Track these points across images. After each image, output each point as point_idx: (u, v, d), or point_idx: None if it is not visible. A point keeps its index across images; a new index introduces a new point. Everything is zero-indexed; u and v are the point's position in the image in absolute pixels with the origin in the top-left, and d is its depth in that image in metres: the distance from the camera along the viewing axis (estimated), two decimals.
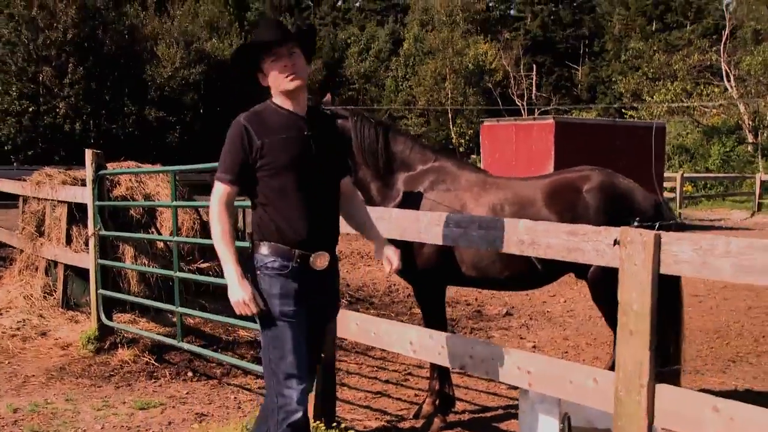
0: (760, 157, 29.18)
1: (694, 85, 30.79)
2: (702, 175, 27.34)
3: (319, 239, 2.91)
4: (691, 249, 2.59)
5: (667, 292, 4.31)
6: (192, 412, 4.76)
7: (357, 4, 59.42)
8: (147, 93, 31.41)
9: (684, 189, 24.28)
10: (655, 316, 2.69)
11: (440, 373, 4.52)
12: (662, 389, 2.72)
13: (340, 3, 60.29)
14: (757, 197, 23.59)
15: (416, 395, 5.29)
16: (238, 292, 2.82)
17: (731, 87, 30.66)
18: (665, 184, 23.21)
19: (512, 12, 57.87)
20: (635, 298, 2.71)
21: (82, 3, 29.29)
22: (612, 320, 4.31)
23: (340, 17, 56.59)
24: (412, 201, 4.38)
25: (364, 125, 4.59)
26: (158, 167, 6.84)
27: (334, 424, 3.91)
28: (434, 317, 4.47)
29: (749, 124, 30.33)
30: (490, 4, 56.24)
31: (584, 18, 56.82)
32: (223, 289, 7.38)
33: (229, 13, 42.29)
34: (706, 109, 31.02)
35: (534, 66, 49.23)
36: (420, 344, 3.60)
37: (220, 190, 2.90)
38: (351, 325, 4.01)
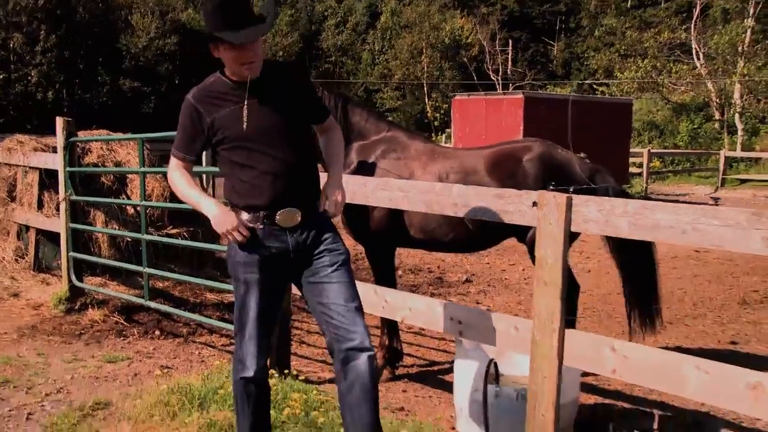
0: (726, 134, 29.76)
1: (664, 62, 31.20)
2: (669, 151, 27.83)
3: (285, 199, 2.88)
4: (597, 210, 2.92)
5: (643, 256, 4.70)
6: (157, 365, 5.05)
7: None
8: (121, 62, 31.17)
9: (652, 165, 24.80)
10: (565, 269, 3.01)
11: (389, 329, 4.85)
12: (571, 333, 3.06)
13: None
14: (720, 173, 24.12)
15: None
16: (223, 222, 2.85)
17: (700, 65, 31.11)
18: (634, 160, 23.75)
19: None
20: (549, 254, 3.03)
21: None
22: None
23: None
24: (365, 168, 4.67)
25: (324, 96, 4.85)
26: (127, 135, 7.03)
27: (286, 371, 4.22)
28: (384, 276, 4.79)
29: (716, 102, 30.87)
30: None
31: None
32: (191, 253, 7.71)
33: None
34: (675, 87, 31.49)
35: (510, 41, 49.36)
36: (365, 299, 3.89)
37: (173, 163, 3.01)
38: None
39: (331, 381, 4.75)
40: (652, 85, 30.78)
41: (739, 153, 26.82)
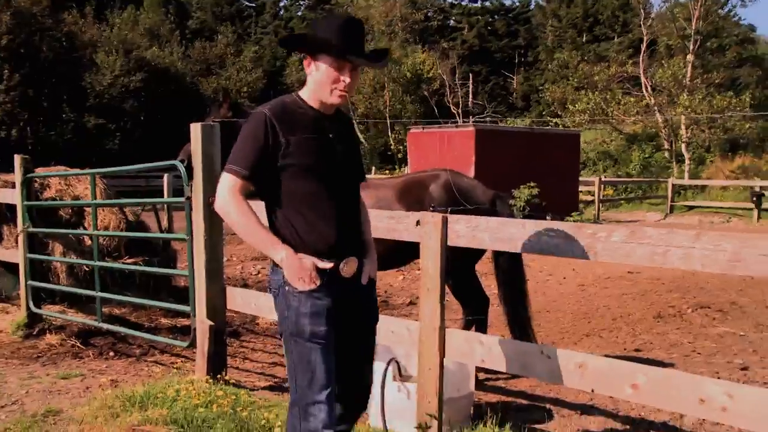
0: (675, 162, 30.95)
1: (614, 94, 32.48)
2: (620, 179, 28.85)
3: (347, 246, 2.70)
4: (465, 226, 3.51)
5: (512, 270, 5.30)
6: (108, 380, 5.50)
7: (299, 14, 60.09)
8: (86, 100, 31.61)
9: (605, 193, 25.74)
10: (443, 277, 3.59)
11: None
12: (451, 332, 3.62)
13: (282, 12, 60.92)
14: (669, 200, 25.09)
15: None
16: (297, 269, 2.60)
17: (648, 97, 32.42)
18: (587, 188, 24.67)
19: (450, 22, 59.30)
20: (431, 265, 3.61)
21: (17, 9, 29.31)
22: (457, 295, 5.26)
23: (282, 26, 57.20)
24: None
25: None
26: (79, 170, 7.51)
27: (219, 375, 4.72)
28: None
29: (665, 132, 32.13)
30: (429, 14, 57.56)
31: (519, 29, 58.70)
32: (147, 281, 8.15)
33: (170, 21, 42.62)
34: (625, 118, 32.70)
35: (470, 75, 50.72)
36: None
37: (230, 182, 2.62)
38: (237, 298, 4.85)
39: (264, 389, 5.26)
40: (603, 116, 31.97)
41: (686, 181, 27.92)
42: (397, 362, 4.09)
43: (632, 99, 30.09)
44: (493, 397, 5.13)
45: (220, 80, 39.00)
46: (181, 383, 4.54)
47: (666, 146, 32.26)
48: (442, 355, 3.60)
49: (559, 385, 3.39)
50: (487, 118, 43.76)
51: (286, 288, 2.64)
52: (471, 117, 44.74)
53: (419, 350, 3.68)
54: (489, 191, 5.41)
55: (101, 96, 32.07)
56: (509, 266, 5.35)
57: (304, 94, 2.73)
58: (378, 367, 4.14)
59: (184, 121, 5.58)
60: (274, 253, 2.61)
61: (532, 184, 17.83)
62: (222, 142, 4.89)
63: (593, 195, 23.63)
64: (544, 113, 41.48)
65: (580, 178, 25.15)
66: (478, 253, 5.24)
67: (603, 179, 25.02)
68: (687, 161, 30.46)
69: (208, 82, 38.43)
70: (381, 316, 3.28)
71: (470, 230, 3.48)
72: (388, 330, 3.91)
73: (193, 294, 4.97)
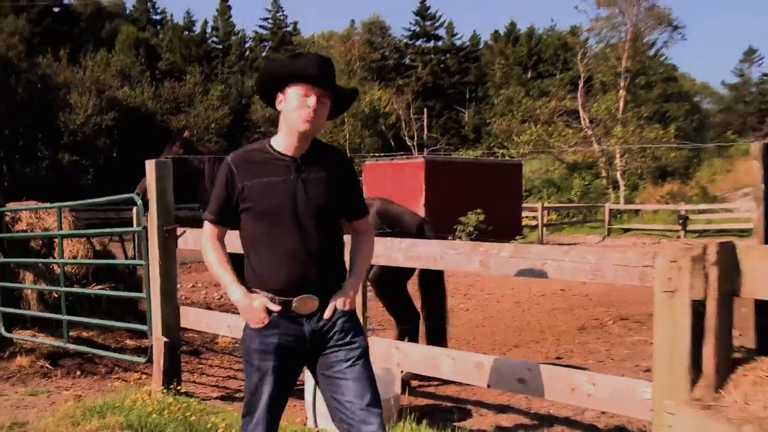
0: (611, 189, 31.90)
1: (556, 126, 33.44)
2: (562, 205, 29.61)
3: (302, 286, 2.64)
4: (383, 247, 3.82)
5: (434, 285, 5.63)
6: (73, 395, 5.66)
7: (263, 54, 60.51)
8: (60, 138, 31.47)
9: (549, 217, 26.39)
10: (365, 293, 3.88)
11: None
12: (372, 340, 3.91)
13: (247, 53, 61.31)
14: (606, 223, 25.82)
15: None
16: (248, 310, 2.66)
17: (586, 129, 33.47)
18: (532, 213, 25.30)
19: (406, 61, 60.21)
20: None
21: None
22: (389, 311, 5.58)
23: (248, 66, 57.51)
24: None
25: (215, 163, 5.69)
26: (44, 204, 7.68)
27: (172, 386, 4.94)
28: None
29: (602, 161, 33.14)
30: (386, 54, 58.43)
31: (470, 66, 59.73)
32: (114, 306, 8.30)
33: (141, 63, 42.63)
34: (565, 149, 33.62)
35: (425, 109, 51.52)
36: (234, 326, 4.71)
37: (207, 228, 2.79)
38: (189, 316, 5.10)
39: (216, 398, 5.48)
40: (545, 147, 32.86)
41: (622, 206, 28.82)
42: None
43: (570, 131, 31.08)
44: (422, 401, 5.42)
45: (188, 118, 39.06)
46: (138, 393, 4.75)
47: (604, 174, 33.23)
48: None
49: (472, 386, 3.71)
50: (441, 151, 44.50)
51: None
52: (425, 149, 45.47)
53: None
54: (417, 216, 5.75)
55: (75, 134, 31.93)
56: (431, 285, 5.68)
57: (276, 138, 2.72)
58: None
59: (154, 157, 5.83)
60: (229, 292, 2.70)
61: (478, 210, 18.32)
62: (174, 176, 5.16)
63: (537, 219, 24.23)
64: (492, 145, 42.35)
65: (526, 204, 25.80)
66: (407, 273, 5.56)
67: (546, 205, 25.68)
68: (622, 188, 31.41)
69: (177, 119, 38.47)
70: None
71: (386, 250, 3.79)
72: None
73: (150, 314, 5.20)
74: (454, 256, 3.50)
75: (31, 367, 6.81)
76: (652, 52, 37.87)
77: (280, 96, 2.66)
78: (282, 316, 2.64)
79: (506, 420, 4.88)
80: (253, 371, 2.68)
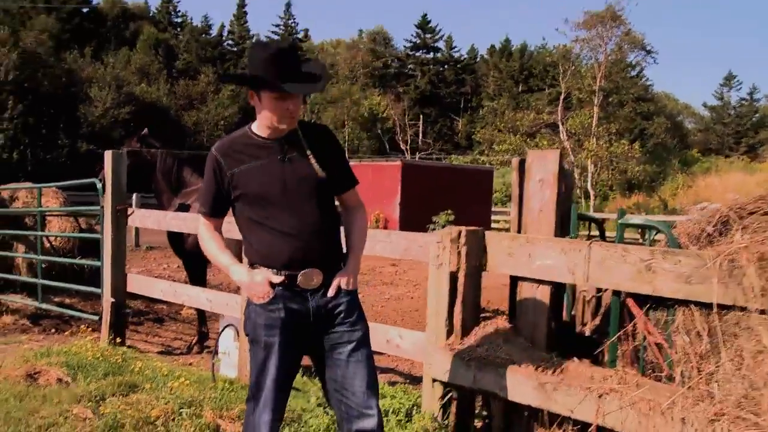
0: (583, 198, 32.49)
1: (534, 137, 34.07)
2: None
3: (305, 261, 2.52)
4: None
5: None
6: (38, 346, 6.33)
7: None
8: (80, 128, 32.25)
9: None
10: None
11: (200, 318, 6.29)
12: None
13: None
14: (578, 230, 26.38)
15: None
16: (253, 289, 2.54)
17: (564, 141, 34.07)
18: (506, 217, 25.87)
19: (407, 70, 60.77)
20: None
21: (24, 49, 30.11)
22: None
23: None
24: (184, 207, 6.16)
25: (167, 157, 6.34)
26: (29, 184, 8.30)
27: (118, 339, 5.61)
28: (197, 280, 6.24)
29: (576, 172, 33.78)
30: (388, 62, 59.00)
31: (466, 77, 60.24)
32: (93, 275, 8.95)
33: (159, 61, 43.39)
34: None
35: (421, 116, 52.15)
36: (166, 290, 5.37)
37: (201, 220, 2.70)
38: (134, 283, 5.78)
39: (156, 353, 6.15)
40: (522, 157, 33.36)
41: (591, 214, 29.35)
42: (235, 327, 5.01)
43: (546, 143, 31.68)
44: None
45: (200, 114, 39.82)
46: (86, 344, 5.41)
47: (579, 183, 33.87)
48: None
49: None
50: (433, 155, 45.15)
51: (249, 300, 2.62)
52: (418, 153, 46.08)
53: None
54: None
55: (93, 125, 32.71)
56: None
57: (256, 123, 2.59)
58: (227, 331, 5.07)
59: (167, 148, 6.48)
60: (232, 273, 2.59)
61: (449, 211, 18.94)
62: (129, 166, 5.83)
63: (507, 223, 24.79)
64: (479, 152, 42.99)
65: (502, 209, 26.41)
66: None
67: None
68: (593, 197, 32.02)
69: (189, 115, 39.25)
70: (225, 294, 3.93)
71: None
72: (222, 302, 4.85)
73: (102, 278, 5.87)
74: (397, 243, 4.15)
75: (14, 324, 7.48)
76: (634, 73, 38.61)
77: (252, 94, 2.53)
78: (287, 290, 2.52)
79: (383, 378, 5.54)
80: (260, 349, 2.55)
